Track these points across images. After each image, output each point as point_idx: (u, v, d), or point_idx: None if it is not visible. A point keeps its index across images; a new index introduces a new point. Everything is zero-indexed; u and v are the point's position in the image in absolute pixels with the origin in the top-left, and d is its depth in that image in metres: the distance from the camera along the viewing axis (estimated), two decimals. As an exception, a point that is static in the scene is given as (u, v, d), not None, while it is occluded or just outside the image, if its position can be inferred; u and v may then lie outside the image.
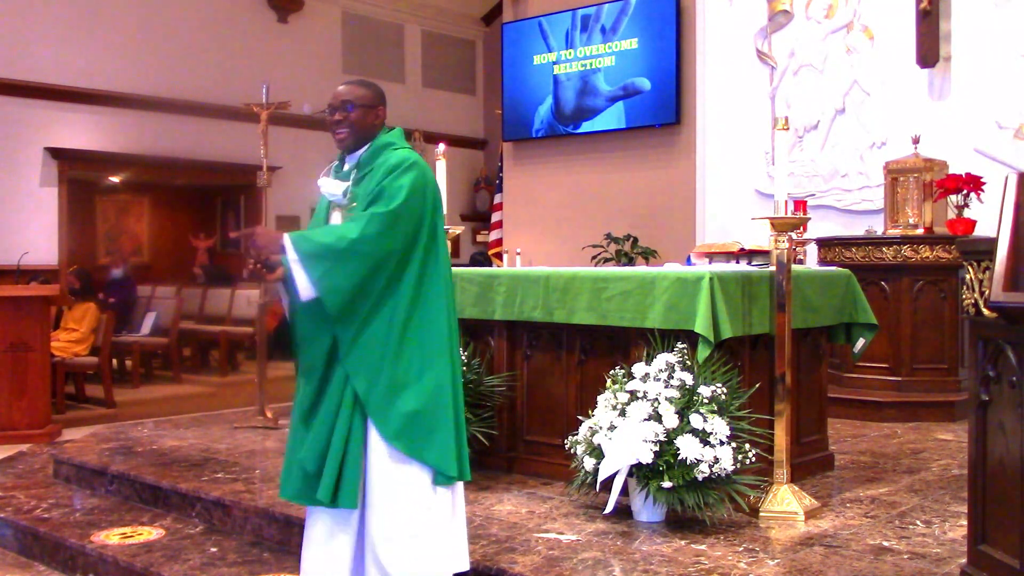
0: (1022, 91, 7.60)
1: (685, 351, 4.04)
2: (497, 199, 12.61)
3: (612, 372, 4.15)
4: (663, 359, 4.01)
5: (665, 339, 4.12)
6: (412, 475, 3.01)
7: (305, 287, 2.95)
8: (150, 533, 4.49)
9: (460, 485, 3.18)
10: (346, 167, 3.21)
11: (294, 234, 2.97)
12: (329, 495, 2.96)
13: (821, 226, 7.97)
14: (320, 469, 2.98)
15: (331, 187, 3.18)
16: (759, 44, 9.07)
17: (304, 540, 3.15)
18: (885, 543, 3.71)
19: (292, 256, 2.93)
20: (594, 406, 4.13)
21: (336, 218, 3.17)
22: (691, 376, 3.95)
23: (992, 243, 2.78)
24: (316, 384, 3.04)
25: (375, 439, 3.00)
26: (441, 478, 3.05)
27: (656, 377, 3.97)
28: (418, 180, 3.04)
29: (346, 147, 3.19)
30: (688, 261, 6.45)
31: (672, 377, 3.95)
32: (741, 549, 3.65)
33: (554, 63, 10.97)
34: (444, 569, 3.08)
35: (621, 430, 3.89)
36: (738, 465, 3.85)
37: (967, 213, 6.56)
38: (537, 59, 11.14)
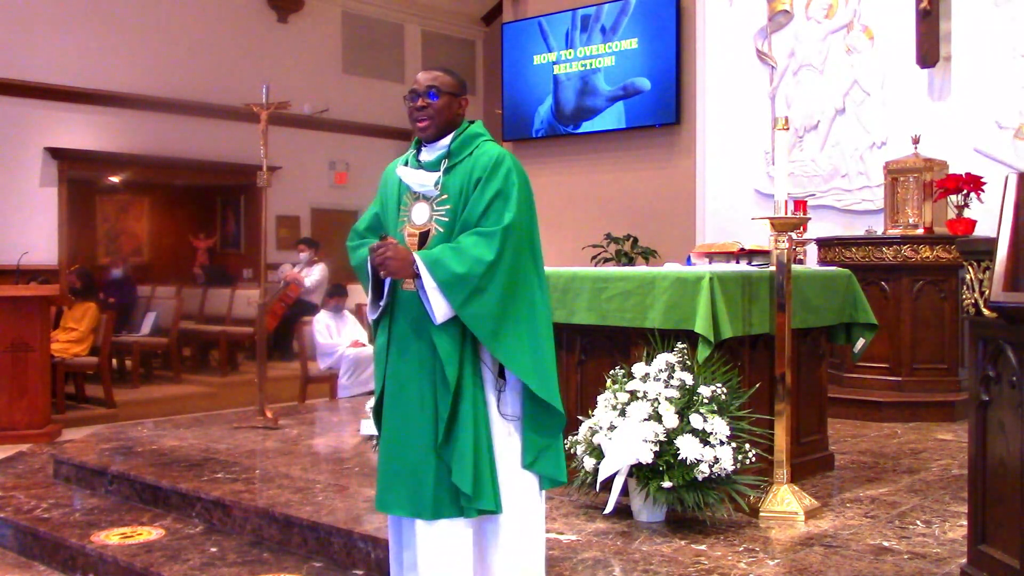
0: (1022, 91, 7.61)
1: (685, 351, 4.04)
2: (497, 199, 12.60)
3: (612, 372, 4.15)
4: (663, 359, 4.01)
5: (665, 339, 4.12)
6: (531, 482, 3.02)
7: (444, 312, 2.86)
8: (150, 533, 4.49)
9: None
10: (427, 157, 3.06)
11: (427, 259, 2.85)
12: (495, 502, 2.90)
13: (821, 226, 7.98)
14: (477, 480, 2.87)
15: (420, 178, 3.01)
16: (759, 44, 9.09)
17: (417, 556, 3.01)
18: (885, 543, 3.71)
19: (430, 284, 2.84)
20: (594, 406, 4.13)
21: (420, 210, 3.00)
22: (691, 376, 3.95)
23: (992, 243, 2.78)
24: (450, 394, 2.90)
25: (501, 447, 2.97)
26: (547, 482, 3.06)
27: (656, 377, 3.97)
28: (524, 181, 2.98)
29: (428, 137, 3.04)
30: (688, 261, 6.44)
31: (672, 377, 3.95)
32: (741, 549, 3.65)
33: (554, 63, 10.98)
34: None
35: (621, 430, 3.89)
36: (738, 465, 3.85)
37: (967, 213, 6.56)
38: (537, 59, 11.14)
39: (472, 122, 3.12)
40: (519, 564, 3.00)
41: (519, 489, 3.00)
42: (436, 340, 2.91)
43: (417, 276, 2.86)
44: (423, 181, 3.00)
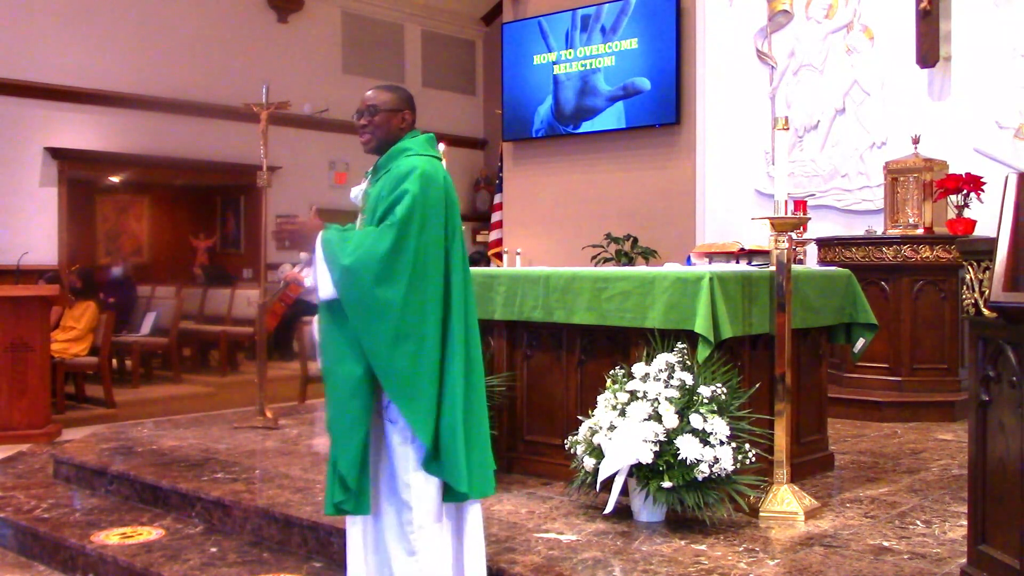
0: (1022, 91, 7.60)
1: (685, 351, 4.04)
2: (497, 199, 12.61)
3: (612, 372, 4.15)
4: (663, 359, 4.01)
5: (665, 339, 4.12)
6: (426, 490, 3.06)
7: (326, 289, 3.02)
8: (150, 533, 4.49)
9: (477, 503, 3.22)
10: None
11: (326, 234, 3.05)
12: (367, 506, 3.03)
13: (821, 226, 7.97)
14: (360, 479, 3.02)
15: (355, 190, 3.27)
16: (759, 44, 9.07)
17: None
18: (885, 543, 3.71)
19: (319, 254, 3.04)
20: (594, 406, 4.13)
21: (360, 219, 3.23)
22: (691, 376, 3.95)
23: (992, 243, 2.78)
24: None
25: (394, 451, 3.06)
26: (450, 494, 3.09)
27: (656, 377, 3.97)
28: (418, 196, 3.01)
29: (371, 151, 3.26)
30: (688, 261, 6.44)
31: (672, 377, 3.95)
32: (741, 549, 3.65)
33: (554, 63, 10.97)
34: None
35: (621, 430, 3.89)
36: (738, 465, 3.86)
37: (967, 213, 6.56)
38: (537, 59, 11.14)
39: (417, 135, 3.25)
40: (396, 570, 3.06)
41: (416, 499, 3.04)
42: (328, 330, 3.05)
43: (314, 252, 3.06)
44: (355, 193, 3.27)
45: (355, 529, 3.18)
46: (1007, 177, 2.83)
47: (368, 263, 2.94)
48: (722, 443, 3.82)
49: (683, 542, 3.74)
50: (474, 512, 3.20)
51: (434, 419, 3.00)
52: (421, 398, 2.98)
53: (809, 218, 5.13)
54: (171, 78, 12.47)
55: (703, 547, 3.68)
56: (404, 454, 3.05)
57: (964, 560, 3.11)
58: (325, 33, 14.36)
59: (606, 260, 9.97)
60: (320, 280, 3.01)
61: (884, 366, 6.66)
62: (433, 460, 3.02)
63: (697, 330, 4.03)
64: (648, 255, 9.89)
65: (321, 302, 3.07)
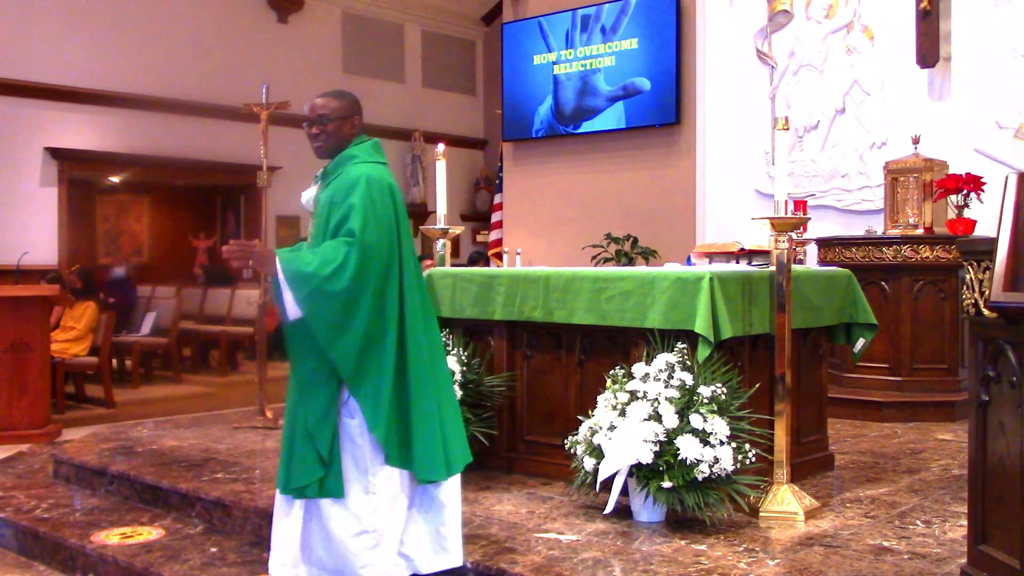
0: (1022, 91, 7.61)
1: (685, 351, 4.04)
2: (497, 199, 12.62)
3: (612, 372, 4.15)
4: (663, 359, 4.01)
5: (665, 339, 4.12)
6: (385, 472, 3.24)
7: (292, 308, 3.12)
8: (150, 533, 4.49)
9: (454, 480, 3.37)
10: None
11: (283, 254, 3.14)
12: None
13: (821, 226, 7.97)
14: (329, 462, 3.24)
15: (306, 194, 3.42)
16: (759, 44, 9.07)
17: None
18: (885, 543, 3.71)
19: (281, 277, 3.11)
20: (594, 406, 4.13)
21: (310, 224, 3.37)
22: (691, 376, 3.95)
23: (992, 243, 2.78)
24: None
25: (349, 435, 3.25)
26: (422, 478, 3.29)
27: (656, 377, 3.97)
28: (377, 197, 3.15)
29: (324, 156, 3.38)
30: (688, 261, 6.45)
31: (672, 377, 3.95)
32: (741, 549, 3.65)
33: (554, 63, 10.98)
34: (404, 566, 3.29)
35: (621, 430, 3.89)
36: (738, 465, 3.85)
37: (967, 213, 6.56)
38: (537, 59, 11.14)
39: (364, 140, 3.37)
40: (329, 550, 3.22)
41: (379, 481, 3.22)
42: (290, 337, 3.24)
43: (276, 273, 3.11)
44: (305, 198, 3.41)
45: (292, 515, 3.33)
46: (1007, 177, 2.83)
47: (325, 271, 3.07)
48: (722, 443, 3.82)
49: (683, 542, 3.74)
50: (434, 491, 3.34)
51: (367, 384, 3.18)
52: (364, 372, 3.18)
53: (809, 218, 5.13)
54: (171, 78, 12.47)
55: (703, 547, 3.68)
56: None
57: (964, 560, 3.11)
58: (325, 33, 14.36)
59: (606, 260, 9.97)
60: (287, 299, 3.10)
61: (884, 366, 6.66)
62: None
63: (697, 330, 4.03)
64: (648, 255, 9.89)
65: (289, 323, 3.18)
